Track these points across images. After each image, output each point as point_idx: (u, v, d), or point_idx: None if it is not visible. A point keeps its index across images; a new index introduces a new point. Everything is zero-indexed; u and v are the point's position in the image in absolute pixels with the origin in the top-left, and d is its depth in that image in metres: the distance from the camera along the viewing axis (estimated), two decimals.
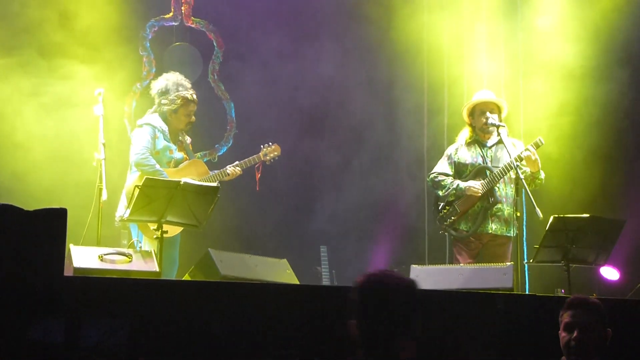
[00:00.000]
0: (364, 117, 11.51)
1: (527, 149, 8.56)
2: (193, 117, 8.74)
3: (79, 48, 10.31)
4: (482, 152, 8.87)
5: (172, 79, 8.74)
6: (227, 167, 8.82)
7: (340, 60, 11.39)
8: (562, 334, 5.21)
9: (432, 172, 9.03)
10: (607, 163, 10.89)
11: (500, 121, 8.82)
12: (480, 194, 8.69)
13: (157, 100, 8.72)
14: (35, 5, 10.26)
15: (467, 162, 8.86)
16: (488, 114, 8.80)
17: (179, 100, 8.63)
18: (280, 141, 9.40)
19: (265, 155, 9.04)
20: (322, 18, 11.45)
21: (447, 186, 8.83)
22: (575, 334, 5.13)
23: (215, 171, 8.82)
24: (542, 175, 8.71)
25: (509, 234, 8.74)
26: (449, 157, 8.98)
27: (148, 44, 10.89)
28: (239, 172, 8.85)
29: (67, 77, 10.21)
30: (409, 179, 11.40)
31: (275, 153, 9.11)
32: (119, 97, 10.44)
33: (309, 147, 11.27)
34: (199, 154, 10.44)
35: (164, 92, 8.67)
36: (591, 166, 10.88)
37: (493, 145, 8.89)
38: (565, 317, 5.21)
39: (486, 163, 8.80)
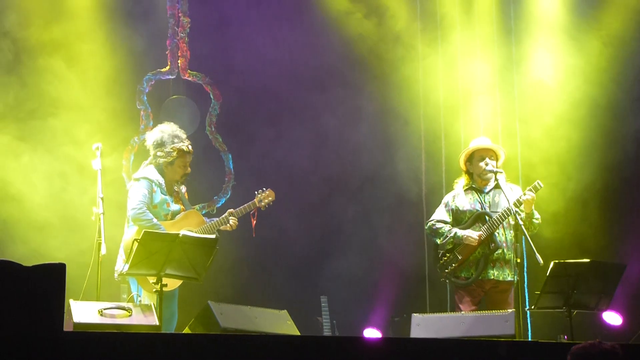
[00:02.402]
0: (363, 166, 11.54)
1: (525, 193, 8.57)
2: (189, 168, 8.70)
3: (77, 103, 10.36)
4: (479, 198, 8.86)
5: (167, 130, 8.66)
6: (224, 215, 8.75)
7: (338, 112, 11.45)
8: None
9: (430, 219, 9.01)
10: (606, 207, 10.92)
11: (498, 167, 8.84)
12: (476, 244, 8.67)
13: (152, 152, 8.65)
14: (30, 53, 10.35)
15: (466, 208, 8.85)
16: (487, 159, 8.82)
17: (175, 153, 8.58)
18: (282, 193, 9.39)
19: (260, 201, 8.94)
20: (324, 72, 11.53)
21: (445, 234, 8.81)
22: None
23: (214, 219, 8.77)
24: (537, 215, 8.70)
25: (510, 279, 8.69)
26: (447, 205, 8.97)
27: (145, 98, 10.94)
28: (235, 224, 8.79)
29: (65, 132, 10.25)
30: (409, 227, 11.38)
31: (270, 198, 8.98)
32: (117, 152, 10.47)
33: (308, 197, 11.29)
34: (197, 206, 10.44)
35: (160, 144, 8.60)
36: (591, 210, 10.90)
37: (490, 191, 8.89)
38: None
39: (484, 209, 8.79)
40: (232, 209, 8.80)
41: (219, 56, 11.25)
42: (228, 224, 8.71)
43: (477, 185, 8.93)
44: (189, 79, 11.20)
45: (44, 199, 10.08)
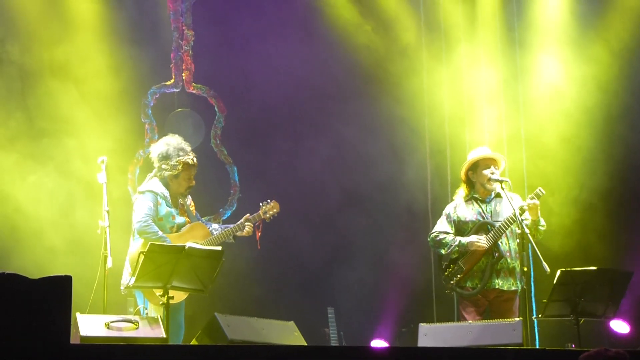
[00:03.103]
0: (369, 178, 11.54)
1: (530, 198, 8.54)
2: (193, 181, 8.70)
3: (82, 116, 10.39)
4: (481, 208, 8.82)
5: (172, 143, 8.67)
6: (240, 221, 8.75)
7: (345, 124, 11.48)
8: None
9: (433, 231, 8.94)
10: (612, 215, 10.91)
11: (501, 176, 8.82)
12: (485, 248, 8.63)
13: (157, 165, 8.65)
14: (36, 74, 10.39)
15: (468, 219, 8.80)
16: (493, 168, 8.79)
17: (180, 166, 8.58)
18: (289, 205, 9.40)
19: (265, 213, 8.93)
20: (332, 84, 11.56)
21: (449, 243, 8.75)
22: None
23: (230, 225, 8.75)
24: (543, 222, 8.67)
25: (515, 288, 8.67)
26: (448, 216, 8.90)
27: (150, 111, 10.96)
28: (251, 230, 8.78)
29: (69, 146, 10.28)
30: (416, 238, 11.37)
31: (275, 210, 8.97)
32: (122, 165, 10.48)
33: (315, 209, 11.30)
34: (204, 218, 10.43)
35: (165, 157, 8.61)
36: (597, 218, 10.90)
37: (491, 200, 8.86)
38: None
39: (486, 218, 8.76)
40: (248, 214, 8.80)
41: (227, 69, 11.27)
42: (244, 230, 8.72)
43: (479, 195, 8.89)
44: (194, 92, 11.22)
45: (52, 215, 10.12)
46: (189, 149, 8.72)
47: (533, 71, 11.53)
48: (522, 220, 8.34)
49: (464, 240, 8.70)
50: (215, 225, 8.81)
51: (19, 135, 10.22)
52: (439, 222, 8.97)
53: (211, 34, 11.22)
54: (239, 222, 8.73)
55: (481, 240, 8.63)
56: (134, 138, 10.79)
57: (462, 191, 8.96)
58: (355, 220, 11.47)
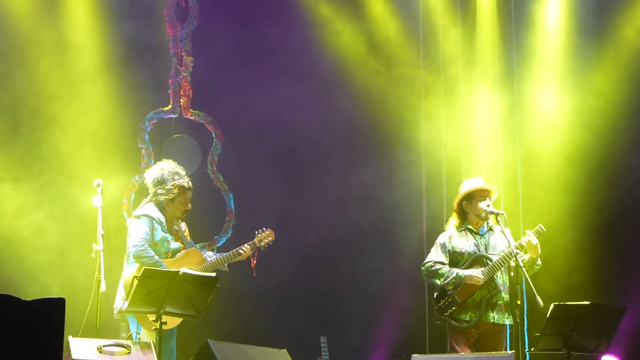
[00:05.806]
0: (364, 211, 11.56)
1: (529, 235, 8.52)
2: (189, 205, 8.69)
3: (78, 140, 10.41)
4: (475, 240, 8.80)
5: (167, 167, 8.66)
6: (235, 249, 8.75)
7: (341, 160, 11.53)
8: None
9: (427, 260, 8.84)
10: (607, 250, 10.92)
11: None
12: (481, 283, 8.60)
13: (152, 190, 8.62)
14: (35, 96, 10.43)
15: (463, 250, 8.76)
16: (488, 200, 8.78)
17: (176, 190, 8.57)
18: (285, 234, 9.40)
19: (260, 241, 8.93)
20: (332, 121, 11.63)
21: (445, 275, 8.69)
22: None
23: (223, 254, 8.74)
24: (539, 261, 8.67)
25: (508, 322, 8.66)
26: (443, 246, 8.84)
27: (147, 137, 10.98)
28: (249, 252, 8.78)
29: (65, 169, 10.30)
30: (409, 268, 11.38)
31: (270, 238, 8.96)
32: (117, 189, 10.49)
33: (310, 239, 11.30)
34: (198, 245, 10.43)
35: (160, 182, 8.59)
36: (591, 253, 10.90)
37: (485, 233, 8.84)
38: None
39: (480, 251, 8.74)
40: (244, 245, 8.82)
41: (225, 99, 11.32)
42: (240, 256, 8.71)
43: (472, 227, 8.87)
44: (191, 118, 11.25)
45: (43, 233, 10.17)
46: (183, 172, 8.72)
47: (531, 105, 11.57)
48: (517, 253, 8.33)
49: (462, 273, 8.65)
50: (209, 253, 8.79)
51: (22, 175, 10.29)
52: (432, 251, 8.90)
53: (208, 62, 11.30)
54: (233, 250, 8.72)
55: (479, 275, 8.59)
56: (130, 163, 10.80)
57: (454, 220, 8.93)
58: (349, 252, 11.47)
